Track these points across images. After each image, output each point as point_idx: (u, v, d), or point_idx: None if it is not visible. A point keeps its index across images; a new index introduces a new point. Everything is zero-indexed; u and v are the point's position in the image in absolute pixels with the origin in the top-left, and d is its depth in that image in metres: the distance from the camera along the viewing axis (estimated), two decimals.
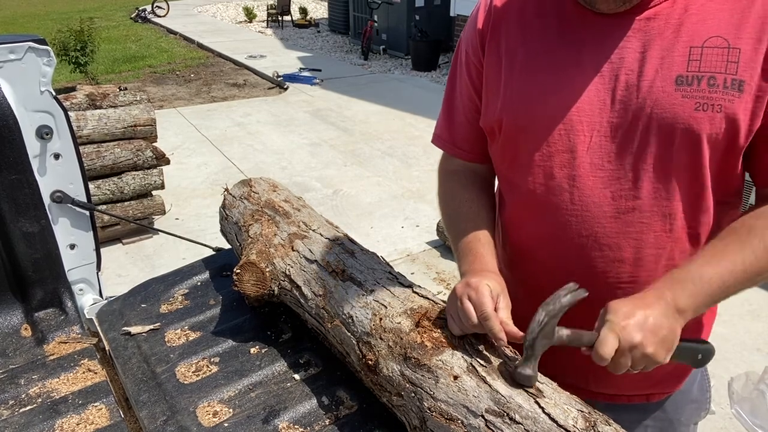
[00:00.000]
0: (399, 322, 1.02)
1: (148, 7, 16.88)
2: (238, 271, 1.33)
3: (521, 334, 0.87)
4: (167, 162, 4.35)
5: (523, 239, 1.10)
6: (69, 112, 1.61)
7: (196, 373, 1.29)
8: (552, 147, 0.97)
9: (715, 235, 0.94)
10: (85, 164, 1.88)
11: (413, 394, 0.94)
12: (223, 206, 1.66)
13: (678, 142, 0.90)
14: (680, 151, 0.90)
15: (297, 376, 1.26)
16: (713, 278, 0.86)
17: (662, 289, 0.86)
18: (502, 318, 0.89)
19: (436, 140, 1.21)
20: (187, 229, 4.39)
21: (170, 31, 14.34)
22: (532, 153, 1.00)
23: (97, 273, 1.78)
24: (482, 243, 1.05)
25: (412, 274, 3.81)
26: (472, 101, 1.11)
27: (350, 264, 1.22)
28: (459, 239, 1.09)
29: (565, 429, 0.79)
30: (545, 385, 0.87)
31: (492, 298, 0.90)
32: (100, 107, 4.16)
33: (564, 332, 0.85)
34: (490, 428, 0.83)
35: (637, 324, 0.82)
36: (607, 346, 0.81)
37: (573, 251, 1.00)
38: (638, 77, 0.90)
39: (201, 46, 12.47)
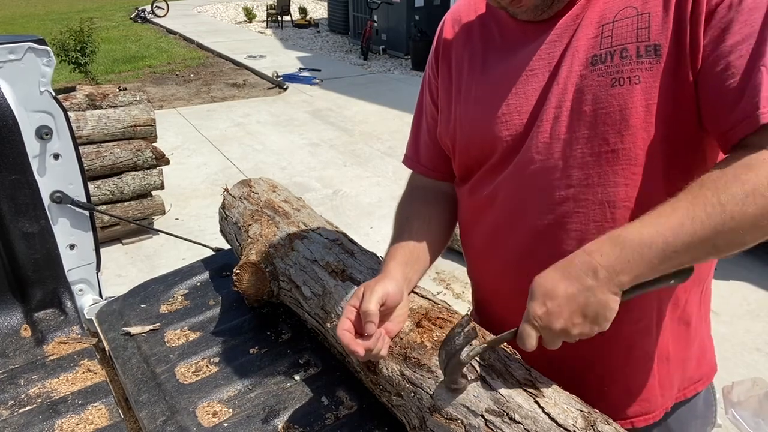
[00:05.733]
0: None
1: (148, 8, 16.90)
2: (238, 271, 1.33)
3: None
4: (167, 162, 4.36)
5: (486, 268, 1.13)
6: (69, 113, 1.61)
7: (196, 374, 1.29)
8: (505, 157, 0.97)
9: None
10: (84, 164, 1.88)
11: (413, 394, 0.94)
12: (223, 206, 1.66)
13: (601, 124, 0.86)
14: (608, 133, 0.86)
15: (297, 376, 1.26)
16: (655, 240, 0.74)
17: (595, 253, 0.77)
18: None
19: (405, 160, 1.21)
20: (187, 229, 4.40)
21: (170, 32, 14.35)
22: (484, 165, 1.01)
23: (97, 273, 1.78)
24: (399, 255, 1.04)
25: None
26: (435, 120, 1.12)
27: (350, 264, 1.22)
28: (387, 251, 1.09)
29: (565, 428, 0.79)
30: (545, 384, 0.87)
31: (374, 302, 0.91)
32: (100, 107, 4.16)
33: (478, 349, 0.83)
34: (489, 428, 0.83)
35: (557, 309, 0.77)
36: (528, 340, 0.79)
37: (526, 250, 0.98)
38: (558, 68, 0.90)
39: (201, 46, 12.48)
